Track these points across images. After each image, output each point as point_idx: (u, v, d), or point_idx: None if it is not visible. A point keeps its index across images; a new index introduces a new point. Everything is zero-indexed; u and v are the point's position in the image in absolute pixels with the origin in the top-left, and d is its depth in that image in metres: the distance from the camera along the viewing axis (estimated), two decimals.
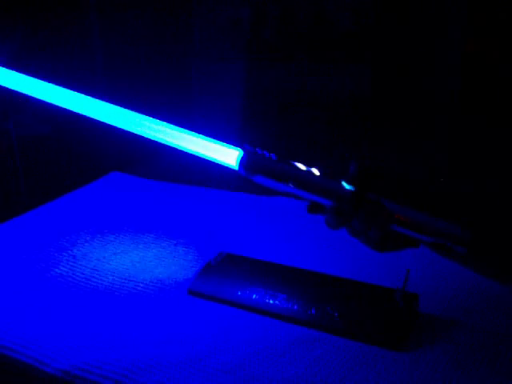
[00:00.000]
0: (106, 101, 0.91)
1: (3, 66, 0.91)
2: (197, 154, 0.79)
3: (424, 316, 0.79)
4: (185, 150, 0.80)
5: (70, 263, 0.96)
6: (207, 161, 1.46)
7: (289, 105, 1.44)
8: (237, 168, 0.73)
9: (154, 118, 0.84)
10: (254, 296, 0.83)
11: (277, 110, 1.46)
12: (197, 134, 0.79)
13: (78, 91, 0.91)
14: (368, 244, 0.70)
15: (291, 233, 1.06)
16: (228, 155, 0.75)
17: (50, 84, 0.94)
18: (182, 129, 0.81)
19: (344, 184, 0.68)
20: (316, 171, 0.70)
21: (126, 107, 0.89)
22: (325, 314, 0.78)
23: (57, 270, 0.94)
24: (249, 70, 1.52)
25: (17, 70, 0.92)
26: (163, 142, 0.83)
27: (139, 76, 1.56)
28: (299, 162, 0.71)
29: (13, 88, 0.93)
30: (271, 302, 0.82)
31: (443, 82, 1.11)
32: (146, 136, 0.85)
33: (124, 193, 1.25)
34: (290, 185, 0.70)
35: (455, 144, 1.07)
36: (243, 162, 0.72)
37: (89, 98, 0.91)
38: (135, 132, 0.87)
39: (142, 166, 1.41)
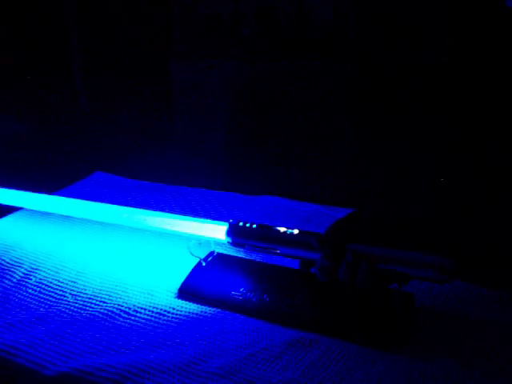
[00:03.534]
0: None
1: None
2: (191, 236, 0.90)
3: (420, 315, 0.78)
4: (181, 234, 0.91)
5: (56, 266, 0.94)
6: (192, 161, 1.44)
7: (269, 103, 1.43)
8: (226, 241, 0.86)
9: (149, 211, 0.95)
10: (245, 296, 0.82)
11: (257, 109, 1.45)
12: (190, 218, 0.92)
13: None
14: (361, 286, 0.74)
15: None
16: (218, 231, 0.87)
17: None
18: (177, 215, 0.93)
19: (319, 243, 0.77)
20: (296, 231, 0.80)
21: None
22: (321, 316, 0.77)
23: (41, 273, 0.92)
24: (229, 68, 1.50)
25: None
26: (160, 230, 0.94)
27: (118, 77, 1.54)
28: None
29: None
30: (263, 302, 0.81)
31: (424, 79, 1.11)
32: (143, 228, 0.96)
33: (109, 193, 1.23)
34: (277, 250, 0.81)
35: (449, 144, 1.07)
36: (230, 233, 0.85)
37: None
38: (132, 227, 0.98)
39: (127, 166, 1.38)
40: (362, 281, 0.73)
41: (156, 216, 0.95)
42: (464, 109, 1.06)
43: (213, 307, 0.82)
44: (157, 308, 0.82)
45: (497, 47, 1.00)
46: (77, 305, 0.84)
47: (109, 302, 0.84)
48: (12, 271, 0.93)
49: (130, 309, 0.82)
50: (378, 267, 0.73)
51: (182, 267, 0.91)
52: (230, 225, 0.86)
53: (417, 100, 1.10)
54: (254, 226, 0.84)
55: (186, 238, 0.89)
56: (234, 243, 0.86)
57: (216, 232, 0.87)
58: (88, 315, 0.81)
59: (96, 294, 0.86)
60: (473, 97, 1.05)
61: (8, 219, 1.12)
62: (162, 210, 1.13)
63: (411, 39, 1.12)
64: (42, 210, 1.07)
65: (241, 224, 0.85)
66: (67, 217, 1.11)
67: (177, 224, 0.92)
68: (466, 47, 1.05)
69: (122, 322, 0.79)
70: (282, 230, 0.82)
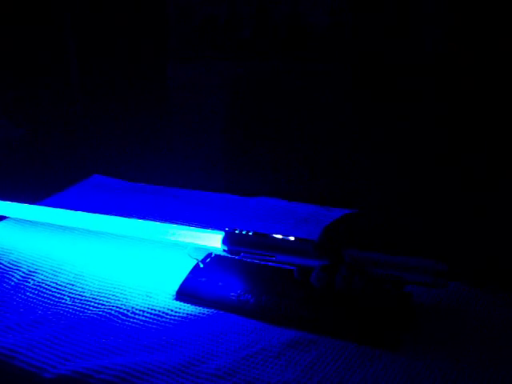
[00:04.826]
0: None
1: None
2: (187, 244, 0.90)
3: (418, 314, 0.78)
4: (176, 243, 0.92)
5: (54, 268, 0.94)
6: (189, 163, 1.44)
7: (266, 104, 1.43)
8: (222, 249, 0.86)
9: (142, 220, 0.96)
10: (243, 298, 0.82)
11: (255, 110, 1.45)
12: (186, 227, 0.92)
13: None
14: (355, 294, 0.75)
15: (279, 233, 1.04)
16: (213, 239, 0.87)
17: None
18: (172, 225, 0.94)
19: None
20: (292, 238, 0.81)
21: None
22: (319, 316, 0.77)
23: (39, 275, 0.92)
24: (226, 69, 1.50)
25: None
26: (157, 239, 0.94)
27: (115, 79, 1.54)
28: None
29: None
30: (261, 303, 0.81)
31: (418, 82, 1.11)
32: (140, 237, 0.97)
33: (106, 196, 1.23)
34: (273, 257, 0.82)
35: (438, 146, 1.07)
36: (226, 241, 0.85)
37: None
38: (129, 236, 0.99)
39: (124, 168, 1.38)
40: (358, 290, 0.74)
41: (149, 226, 0.95)
42: (466, 119, 1.06)
43: (211, 308, 0.82)
44: (155, 310, 0.82)
45: (500, 34, 1.00)
46: (75, 307, 0.84)
47: (107, 304, 0.84)
48: (10, 274, 0.93)
49: (128, 311, 0.82)
50: (374, 273, 0.74)
51: (180, 269, 0.91)
52: (226, 233, 0.86)
53: (417, 100, 1.10)
54: (250, 233, 0.85)
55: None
56: (229, 251, 0.86)
57: (212, 240, 0.88)
58: (86, 317, 0.81)
59: (94, 297, 0.86)
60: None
61: (6, 222, 1.12)
62: (160, 212, 1.14)
63: (411, 39, 1.12)
64: (35, 220, 1.07)
65: (237, 232, 0.85)
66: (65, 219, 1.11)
67: (172, 233, 0.92)
68: (467, 39, 1.05)
69: (120, 324, 0.79)
70: (278, 237, 0.83)
